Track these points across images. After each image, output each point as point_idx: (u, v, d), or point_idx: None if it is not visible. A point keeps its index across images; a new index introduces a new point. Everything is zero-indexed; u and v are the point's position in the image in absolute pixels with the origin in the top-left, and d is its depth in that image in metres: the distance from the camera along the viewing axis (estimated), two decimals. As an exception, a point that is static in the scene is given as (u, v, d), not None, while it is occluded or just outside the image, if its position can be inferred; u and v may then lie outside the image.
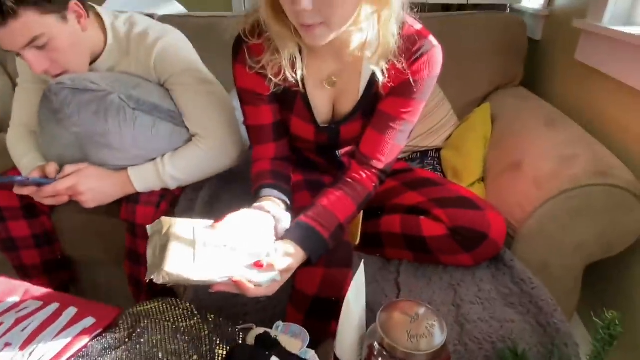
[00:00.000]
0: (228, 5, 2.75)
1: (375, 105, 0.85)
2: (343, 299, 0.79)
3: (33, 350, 0.58)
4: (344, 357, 0.64)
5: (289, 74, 0.79)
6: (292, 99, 0.86)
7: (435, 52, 0.79)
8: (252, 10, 0.80)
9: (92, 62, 1.00)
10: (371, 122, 0.86)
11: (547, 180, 0.88)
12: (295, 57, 0.78)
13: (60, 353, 0.58)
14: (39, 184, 0.88)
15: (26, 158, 1.03)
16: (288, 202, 0.85)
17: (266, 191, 0.84)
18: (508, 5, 1.69)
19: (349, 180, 0.86)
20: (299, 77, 0.80)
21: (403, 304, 0.61)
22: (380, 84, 0.79)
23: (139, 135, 0.95)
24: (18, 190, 0.91)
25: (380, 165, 0.86)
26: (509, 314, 0.83)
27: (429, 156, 1.31)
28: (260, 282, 0.66)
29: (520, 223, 0.90)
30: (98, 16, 0.99)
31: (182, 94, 1.01)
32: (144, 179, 0.97)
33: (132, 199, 1.00)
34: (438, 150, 1.32)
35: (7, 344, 0.59)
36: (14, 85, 1.63)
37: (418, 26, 0.79)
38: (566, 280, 0.93)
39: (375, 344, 0.58)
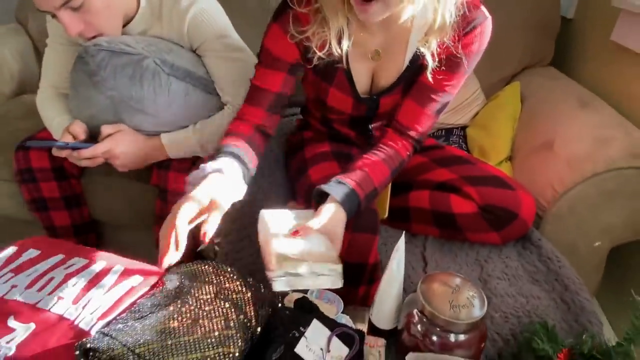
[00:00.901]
0: None
1: (418, 78, 0.84)
2: (369, 265, 0.82)
3: (86, 304, 0.60)
4: (380, 323, 0.67)
5: (334, 49, 0.77)
6: (332, 70, 0.85)
7: (487, 25, 0.77)
8: None
9: (124, 25, 0.99)
10: (410, 93, 0.85)
11: (580, 162, 0.88)
12: (343, 31, 0.77)
13: (112, 307, 0.60)
14: (76, 148, 0.89)
15: (57, 120, 1.04)
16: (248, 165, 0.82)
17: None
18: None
19: (385, 147, 0.86)
20: (344, 52, 0.79)
21: (443, 276, 0.63)
22: (429, 60, 0.77)
23: (173, 101, 0.95)
24: (56, 153, 0.92)
25: (417, 135, 0.86)
26: (535, 290, 0.85)
27: (454, 134, 1.31)
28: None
29: (550, 203, 0.91)
30: None
31: (214, 60, 1.00)
32: (177, 145, 0.98)
33: (164, 165, 1.01)
34: (464, 128, 1.32)
35: (60, 298, 0.61)
36: (34, 45, 1.62)
37: None
38: (591, 262, 0.94)
39: (416, 311, 0.60)
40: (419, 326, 0.59)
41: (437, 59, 0.77)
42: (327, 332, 0.62)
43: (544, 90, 1.21)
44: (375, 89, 0.90)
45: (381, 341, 0.64)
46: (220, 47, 0.99)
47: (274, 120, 0.89)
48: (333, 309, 0.71)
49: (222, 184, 0.71)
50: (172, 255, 0.63)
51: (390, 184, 1.00)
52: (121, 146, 0.92)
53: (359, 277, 0.83)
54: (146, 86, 0.91)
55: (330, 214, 0.72)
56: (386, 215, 0.96)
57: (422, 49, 0.77)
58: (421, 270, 0.90)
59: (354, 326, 0.65)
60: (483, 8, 0.77)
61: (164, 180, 1.00)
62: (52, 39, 1.08)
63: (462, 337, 0.57)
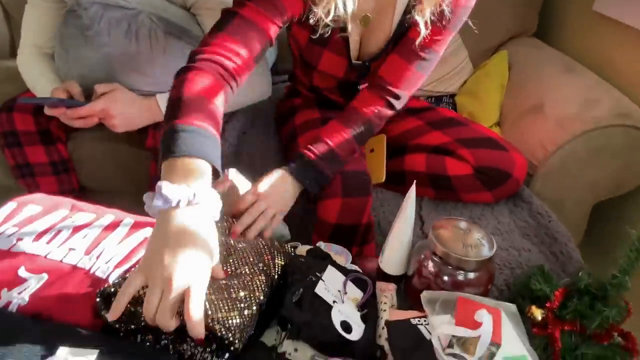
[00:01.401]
0: None
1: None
2: (362, 225, 0.85)
3: (99, 254, 0.59)
4: (390, 269, 0.69)
5: (341, 10, 0.73)
6: (327, 34, 0.79)
7: None
8: None
9: None
10: (396, 48, 0.85)
11: (570, 121, 0.93)
12: None
13: (127, 256, 0.59)
14: (71, 106, 0.86)
15: (41, 80, 0.99)
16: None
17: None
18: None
19: (347, 109, 0.86)
20: (349, 14, 0.75)
21: (452, 221, 0.65)
22: (422, 28, 0.77)
23: (170, 61, 0.92)
24: (49, 111, 0.88)
25: (395, 90, 0.85)
26: (526, 244, 0.89)
27: (443, 102, 1.34)
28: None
29: (541, 162, 0.96)
30: None
31: (209, 18, 0.98)
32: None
33: (160, 125, 0.99)
34: (452, 96, 1.35)
35: (71, 249, 0.60)
36: (3, 8, 1.53)
37: None
38: (576, 217, 1.00)
39: (427, 253, 0.63)
40: (430, 268, 0.62)
41: (429, 27, 0.77)
42: (341, 277, 0.64)
43: (530, 59, 1.25)
44: (363, 55, 0.90)
45: (392, 285, 0.66)
46: (214, 5, 0.97)
47: (249, 69, 0.72)
48: (342, 259, 0.72)
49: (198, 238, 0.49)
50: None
51: (384, 149, 1.02)
52: (118, 105, 0.90)
53: (352, 238, 0.85)
54: (142, 43, 0.88)
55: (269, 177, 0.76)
56: (384, 179, 0.98)
57: (416, 17, 0.77)
58: (419, 229, 0.94)
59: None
60: None
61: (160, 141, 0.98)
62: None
63: (472, 275, 0.60)
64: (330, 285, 0.60)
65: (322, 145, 0.80)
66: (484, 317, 0.50)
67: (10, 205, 0.68)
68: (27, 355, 0.46)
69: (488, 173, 0.91)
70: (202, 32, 0.99)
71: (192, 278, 0.45)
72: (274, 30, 0.73)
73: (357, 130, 0.84)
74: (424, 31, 0.77)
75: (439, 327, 0.52)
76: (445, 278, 0.61)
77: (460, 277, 0.60)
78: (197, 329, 0.43)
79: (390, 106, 0.87)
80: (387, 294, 0.64)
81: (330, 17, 0.74)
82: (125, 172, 1.12)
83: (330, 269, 0.63)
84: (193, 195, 0.49)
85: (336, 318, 0.56)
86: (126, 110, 0.91)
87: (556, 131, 0.94)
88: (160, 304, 0.44)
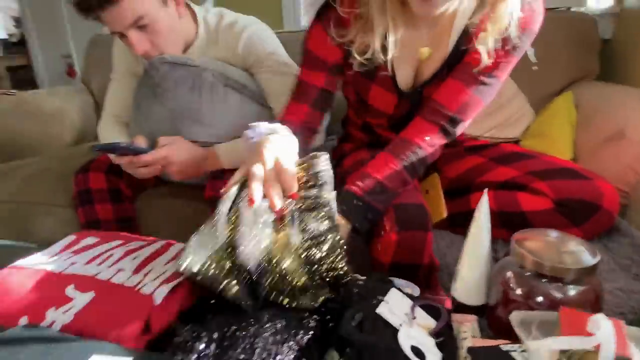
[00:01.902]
0: (278, 22, 2.85)
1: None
2: (424, 266, 0.75)
3: (147, 272, 0.56)
4: (467, 298, 0.58)
5: (377, 55, 0.76)
6: (373, 69, 0.82)
7: (537, 4, 0.75)
8: None
9: (184, 51, 1.07)
10: (452, 73, 0.80)
11: (661, 139, 0.81)
12: (388, 34, 0.75)
13: (175, 275, 0.55)
14: (137, 153, 0.91)
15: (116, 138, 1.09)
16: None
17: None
18: (570, 8, 1.67)
19: (396, 139, 0.81)
20: (389, 58, 0.77)
21: (536, 232, 0.55)
22: (484, 58, 0.74)
23: (229, 112, 0.98)
24: (117, 160, 0.95)
25: (450, 113, 0.78)
26: (635, 285, 0.73)
27: (507, 148, 1.26)
28: None
29: (633, 188, 0.83)
30: (190, 9, 1.07)
31: (266, 75, 1.05)
32: (230, 153, 0.99)
33: (217, 176, 1.01)
34: (517, 142, 1.27)
35: (120, 270, 0.58)
36: (95, 101, 1.77)
37: None
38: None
39: (512, 272, 0.52)
40: (518, 288, 0.51)
41: (492, 55, 0.74)
42: (408, 301, 0.54)
43: (598, 95, 1.17)
44: (418, 82, 0.87)
45: (471, 316, 0.55)
46: (271, 63, 1.04)
47: (319, 117, 0.88)
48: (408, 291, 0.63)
49: (282, 143, 0.67)
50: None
51: (439, 186, 0.94)
52: (178, 153, 0.94)
53: (413, 278, 0.74)
54: (204, 96, 0.95)
55: None
56: (445, 215, 0.89)
57: (479, 47, 0.74)
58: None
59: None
60: None
61: (217, 190, 0.99)
62: (116, 70, 1.17)
63: (572, 291, 0.48)
64: (396, 309, 0.51)
65: (369, 180, 0.75)
66: (601, 323, 0.38)
67: (70, 237, 0.70)
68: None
69: (572, 206, 0.78)
70: (258, 88, 1.05)
71: (279, 153, 0.63)
72: (328, 78, 0.86)
73: (406, 161, 0.77)
74: (485, 60, 0.74)
75: (543, 342, 0.40)
76: (539, 299, 0.49)
77: (558, 294, 0.48)
78: (290, 181, 0.59)
79: (445, 132, 0.80)
80: (466, 324, 0.53)
81: (366, 56, 0.77)
82: (186, 226, 1.13)
83: (394, 292, 0.55)
84: (275, 129, 0.70)
85: (405, 342, 0.46)
86: (186, 157, 0.95)
87: (645, 151, 0.83)
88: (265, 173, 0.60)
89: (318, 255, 0.56)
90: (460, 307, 0.59)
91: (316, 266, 0.55)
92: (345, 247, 0.57)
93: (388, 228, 0.74)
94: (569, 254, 0.49)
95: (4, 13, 4.26)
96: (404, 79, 0.87)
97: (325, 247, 0.56)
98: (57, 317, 0.51)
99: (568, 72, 1.34)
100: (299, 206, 0.59)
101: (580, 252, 0.49)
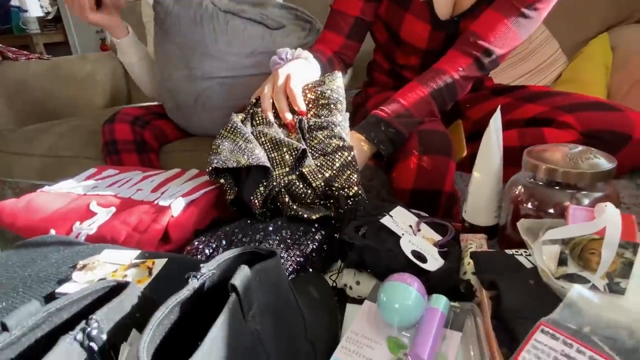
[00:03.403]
0: None
1: None
2: (445, 193, 0.73)
3: (165, 191, 0.59)
4: (477, 219, 0.57)
5: None
6: None
7: None
8: None
9: None
10: (491, 4, 0.77)
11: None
12: None
13: (191, 191, 0.58)
14: None
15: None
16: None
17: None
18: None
19: (429, 69, 0.79)
20: None
21: (551, 146, 0.53)
22: None
23: (232, 39, 0.97)
24: None
25: (487, 44, 0.76)
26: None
27: (536, 97, 1.20)
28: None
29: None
30: None
31: None
32: None
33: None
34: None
35: (139, 189, 0.60)
36: (124, 70, 1.82)
37: None
38: None
39: (523, 185, 0.51)
40: (529, 202, 0.50)
41: None
42: (414, 217, 0.54)
43: (636, 36, 1.09)
44: (456, 12, 0.83)
45: (481, 235, 0.54)
46: None
47: (353, 48, 0.89)
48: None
49: (298, 65, 0.73)
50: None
51: (461, 128, 0.91)
52: None
53: (434, 207, 0.73)
54: (206, 27, 0.95)
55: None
56: (464, 153, 0.87)
57: None
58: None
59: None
60: None
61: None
62: (147, 20, 1.19)
63: (587, 200, 0.46)
64: (400, 222, 0.51)
65: (395, 104, 0.74)
66: (607, 209, 0.36)
67: (91, 170, 0.73)
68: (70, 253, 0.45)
69: (600, 137, 0.74)
70: (255, 7, 1.03)
71: (292, 72, 0.68)
72: (363, 5, 0.85)
73: (435, 89, 0.76)
74: None
75: (546, 235, 0.39)
76: (552, 210, 0.48)
77: (573, 203, 0.46)
78: (295, 97, 0.64)
79: (480, 64, 0.77)
80: (477, 241, 0.52)
81: None
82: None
83: (400, 209, 0.55)
84: (300, 54, 0.76)
85: (406, 247, 0.46)
86: None
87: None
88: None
89: (328, 174, 0.56)
90: (471, 229, 0.57)
91: (325, 183, 0.55)
92: (357, 167, 0.57)
93: (409, 150, 0.73)
94: (583, 161, 0.46)
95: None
96: (443, 6, 0.83)
97: (337, 165, 0.57)
98: (82, 229, 0.54)
99: (606, 16, 1.25)
100: (309, 124, 0.60)
101: (596, 160, 0.47)
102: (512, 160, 0.87)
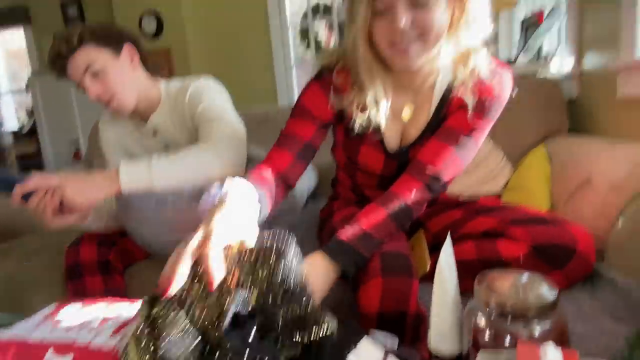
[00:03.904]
0: (273, 97, 3.04)
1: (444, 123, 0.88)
2: (410, 314, 0.76)
3: (125, 334, 0.57)
4: (443, 347, 0.58)
5: (372, 116, 0.84)
6: (363, 131, 0.88)
7: (507, 75, 0.85)
8: (335, 48, 0.90)
9: (148, 115, 1.16)
10: (434, 135, 0.88)
11: (623, 182, 0.85)
12: (379, 99, 0.84)
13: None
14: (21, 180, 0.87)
15: None
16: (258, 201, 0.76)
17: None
18: (536, 74, 1.80)
19: (385, 192, 0.85)
20: (382, 117, 0.85)
21: (498, 273, 0.57)
22: (471, 105, 0.83)
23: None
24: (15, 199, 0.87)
25: (433, 170, 0.84)
26: (621, 329, 0.72)
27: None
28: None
29: (607, 231, 0.85)
30: (156, 79, 1.19)
31: (204, 124, 1.06)
32: (132, 171, 0.92)
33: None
34: (498, 196, 1.31)
35: (99, 334, 0.58)
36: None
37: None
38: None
39: (479, 315, 0.53)
40: (486, 331, 0.52)
41: (474, 99, 0.82)
42: (379, 352, 0.54)
43: (568, 147, 1.23)
44: (404, 143, 0.93)
45: (447, 365, 0.55)
46: (211, 115, 1.06)
47: (298, 170, 0.90)
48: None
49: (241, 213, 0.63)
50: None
51: (424, 241, 0.96)
52: (71, 177, 0.90)
53: (401, 328, 0.74)
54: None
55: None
56: (428, 267, 0.90)
57: (457, 112, 0.84)
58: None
59: None
60: (503, 62, 0.86)
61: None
62: (107, 150, 1.25)
63: (537, 328, 0.49)
64: (367, 357, 0.51)
65: (356, 226, 0.79)
66: (548, 350, 0.39)
67: (51, 306, 0.71)
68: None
69: (548, 251, 0.80)
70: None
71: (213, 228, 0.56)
72: (316, 133, 0.90)
73: (393, 211, 0.82)
74: (463, 124, 0.83)
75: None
76: (506, 338, 0.50)
77: (524, 333, 0.49)
78: (208, 272, 0.51)
79: (429, 188, 0.85)
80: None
81: (364, 118, 0.84)
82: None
83: (365, 342, 0.55)
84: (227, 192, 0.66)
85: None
86: (80, 180, 0.90)
87: (610, 196, 0.86)
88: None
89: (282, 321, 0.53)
90: (436, 358, 0.58)
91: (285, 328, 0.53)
92: (318, 313, 0.54)
93: (372, 273, 0.76)
94: (530, 291, 0.50)
95: (19, 106, 4.57)
96: (392, 140, 0.93)
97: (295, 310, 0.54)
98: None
99: (540, 130, 1.42)
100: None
101: (539, 287, 0.51)
102: (470, 273, 0.90)
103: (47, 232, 1.49)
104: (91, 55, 1.05)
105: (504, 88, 0.85)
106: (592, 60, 1.47)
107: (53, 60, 1.05)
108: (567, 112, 1.47)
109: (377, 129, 0.89)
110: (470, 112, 0.84)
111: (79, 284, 1.09)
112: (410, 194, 0.84)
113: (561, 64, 1.66)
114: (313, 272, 0.73)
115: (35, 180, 0.87)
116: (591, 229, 0.87)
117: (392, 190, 0.85)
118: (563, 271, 0.81)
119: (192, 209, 0.96)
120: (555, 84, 1.50)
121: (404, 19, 0.72)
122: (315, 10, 3.25)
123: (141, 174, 0.92)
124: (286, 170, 0.88)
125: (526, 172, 1.25)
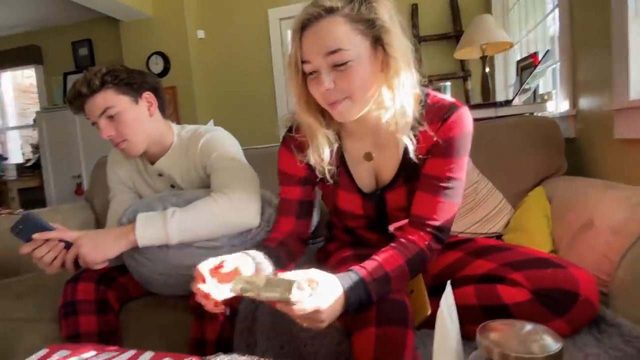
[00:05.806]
0: (276, 137, 3.09)
1: (415, 171, 0.90)
2: None
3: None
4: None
5: (317, 163, 0.89)
6: (337, 177, 0.94)
7: (462, 112, 0.87)
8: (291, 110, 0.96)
9: (157, 157, 1.19)
10: (418, 187, 0.89)
11: (624, 225, 0.84)
12: (327, 145, 0.89)
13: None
14: (43, 228, 0.93)
15: None
16: (273, 264, 0.85)
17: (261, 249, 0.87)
18: (533, 114, 1.83)
19: (400, 239, 0.86)
20: (325, 167, 0.89)
21: (501, 324, 0.55)
22: (412, 149, 0.86)
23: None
24: (24, 249, 0.96)
25: (436, 223, 0.86)
26: (630, 379, 0.70)
27: (491, 243, 1.28)
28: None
29: (610, 275, 0.83)
30: (169, 125, 1.22)
31: (217, 172, 1.11)
32: (148, 224, 0.97)
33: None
34: (499, 237, 1.30)
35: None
36: (97, 218, 1.85)
37: (442, 95, 0.90)
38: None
39: (480, 364, 0.51)
40: (488, 382, 0.50)
41: (414, 143, 0.85)
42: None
43: (567, 189, 1.23)
44: (380, 184, 0.96)
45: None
46: (225, 164, 1.11)
47: (304, 224, 1.00)
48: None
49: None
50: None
51: (423, 285, 0.95)
52: (89, 234, 0.97)
53: None
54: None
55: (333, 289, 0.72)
56: (429, 312, 0.88)
57: (399, 136, 0.86)
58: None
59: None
60: (456, 101, 0.88)
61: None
62: (112, 186, 1.26)
63: (541, 382, 0.47)
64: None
65: (377, 268, 0.78)
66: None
67: (43, 350, 0.69)
68: None
69: (550, 295, 0.78)
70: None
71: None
72: (303, 190, 0.98)
73: (411, 259, 0.83)
74: (410, 146, 0.85)
75: None
76: (510, 392, 0.48)
77: (528, 386, 0.47)
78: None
79: (438, 239, 0.87)
80: None
81: (320, 169, 0.90)
82: (171, 336, 1.11)
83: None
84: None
85: None
86: (96, 237, 0.95)
87: (612, 239, 0.85)
88: None
89: None
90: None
91: None
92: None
93: (366, 322, 0.75)
94: (535, 343, 0.49)
95: (25, 141, 4.65)
96: (365, 183, 0.96)
97: None
98: None
99: (539, 170, 1.43)
100: None
101: (543, 338, 0.49)
102: (471, 318, 0.89)
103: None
104: (110, 100, 1.08)
105: (465, 124, 0.87)
106: (588, 102, 1.50)
107: (72, 99, 1.09)
108: (565, 153, 1.48)
109: (348, 173, 0.95)
110: (440, 157, 0.86)
111: (72, 323, 1.07)
112: (425, 243, 0.85)
113: (557, 104, 1.69)
114: (337, 302, 0.72)
115: (55, 233, 0.93)
116: (596, 273, 0.86)
117: (408, 237, 0.86)
118: (566, 318, 0.78)
119: (194, 253, 0.98)
120: (553, 124, 1.51)
121: (326, 82, 0.79)
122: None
123: (158, 231, 0.97)
124: (293, 231, 0.97)
125: (526, 213, 1.24)
